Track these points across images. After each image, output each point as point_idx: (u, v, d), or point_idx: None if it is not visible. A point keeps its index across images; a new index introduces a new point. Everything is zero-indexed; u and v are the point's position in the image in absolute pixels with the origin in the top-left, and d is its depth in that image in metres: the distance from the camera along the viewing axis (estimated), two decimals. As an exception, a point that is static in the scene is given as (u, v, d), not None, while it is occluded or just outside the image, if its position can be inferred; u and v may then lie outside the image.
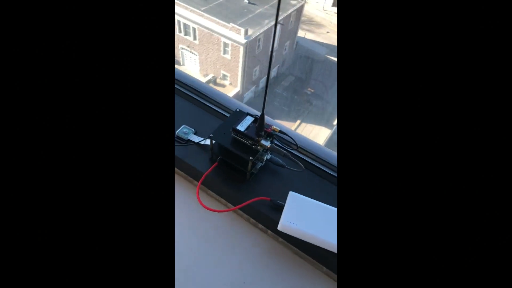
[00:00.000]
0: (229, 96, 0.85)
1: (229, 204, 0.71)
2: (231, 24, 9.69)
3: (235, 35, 9.77)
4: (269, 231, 0.67)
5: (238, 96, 10.70)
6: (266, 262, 0.64)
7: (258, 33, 10.18)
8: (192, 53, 10.81)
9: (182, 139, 0.74)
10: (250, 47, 10.07)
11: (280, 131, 0.66)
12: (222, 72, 10.79)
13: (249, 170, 0.66)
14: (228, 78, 10.78)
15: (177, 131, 0.75)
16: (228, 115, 0.82)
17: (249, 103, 11.11)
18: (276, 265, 0.64)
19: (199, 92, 0.85)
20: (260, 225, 0.68)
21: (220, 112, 0.82)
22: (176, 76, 0.87)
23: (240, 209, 0.69)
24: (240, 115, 0.69)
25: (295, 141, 0.68)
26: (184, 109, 0.82)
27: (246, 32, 9.78)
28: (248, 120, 0.67)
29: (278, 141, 0.74)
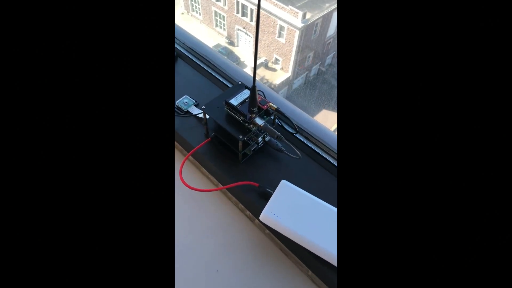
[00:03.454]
0: (240, 68, 0.78)
1: (220, 185, 0.65)
2: (290, 6, 9.41)
3: (293, 18, 9.49)
4: (256, 220, 0.60)
5: (288, 81, 10.50)
6: (247, 253, 0.58)
7: (316, 17, 9.77)
8: (247, 34, 10.78)
9: (181, 110, 0.70)
10: (306, 32, 9.73)
11: (277, 110, 0.57)
12: (275, 56, 10.62)
13: (241, 150, 0.59)
14: (280, 63, 10.59)
15: (177, 101, 0.71)
16: (233, 89, 0.75)
17: (298, 90, 10.86)
18: (257, 259, 0.57)
19: (207, 60, 0.78)
20: (248, 212, 0.62)
21: (228, 86, 0.76)
22: (182, 39, 0.81)
23: (230, 191, 0.62)
24: (240, 88, 0.61)
25: (293, 122, 0.59)
26: (189, 78, 0.77)
27: (304, 15, 9.44)
28: (245, 94, 0.59)
29: (280, 121, 0.66)
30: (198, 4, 11.34)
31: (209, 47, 0.81)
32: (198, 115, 0.68)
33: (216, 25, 11.42)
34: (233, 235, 0.60)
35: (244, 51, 11.22)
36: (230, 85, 0.76)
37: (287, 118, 0.62)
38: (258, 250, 0.59)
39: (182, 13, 11.71)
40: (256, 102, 0.53)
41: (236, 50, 11.32)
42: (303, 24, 9.47)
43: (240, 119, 0.57)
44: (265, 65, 10.79)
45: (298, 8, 9.49)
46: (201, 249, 0.58)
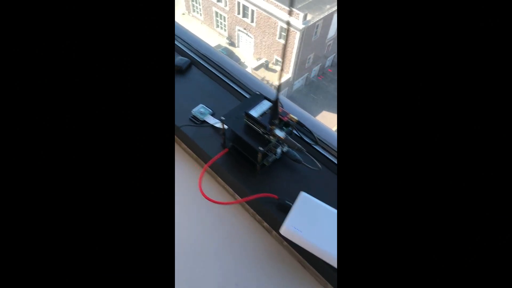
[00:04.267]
0: (254, 77, 0.78)
1: (236, 196, 0.65)
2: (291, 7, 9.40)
3: (293, 19, 9.48)
4: (274, 232, 0.60)
5: (289, 83, 10.51)
6: (265, 266, 0.58)
7: (317, 19, 9.78)
8: (248, 35, 10.78)
9: (198, 119, 0.69)
10: (306, 33, 9.74)
11: (298, 122, 0.57)
12: (276, 57, 10.63)
13: (259, 161, 0.59)
14: (281, 64, 10.59)
15: (194, 110, 0.70)
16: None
17: (298, 90, 10.87)
18: (276, 271, 0.57)
19: (221, 68, 0.78)
20: (265, 224, 0.61)
21: (243, 95, 0.76)
22: (196, 46, 0.81)
23: (248, 203, 0.62)
24: (259, 99, 0.61)
25: (313, 134, 0.59)
26: (204, 86, 0.77)
27: (305, 17, 9.45)
28: (265, 105, 0.59)
29: (298, 132, 0.66)
30: (199, 5, 11.33)
31: (223, 54, 0.81)
32: (215, 125, 0.68)
33: (217, 26, 11.42)
34: (250, 247, 0.60)
35: (244, 52, 11.22)
36: (245, 94, 0.75)
37: (308, 130, 0.62)
38: (276, 262, 0.58)
39: (183, 14, 11.70)
40: (278, 115, 0.53)
41: (236, 51, 11.32)
42: (304, 26, 9.48)
43: (260, 130, 0.57)
44: (266, 66, 10.80)
45: (299, 9, 9.50)
46: (219, 262, 0.58)
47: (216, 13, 11.05)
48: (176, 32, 0.84)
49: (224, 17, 10.95)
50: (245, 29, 10.69)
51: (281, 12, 9.56)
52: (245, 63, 10.77)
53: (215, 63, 0.79)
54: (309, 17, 9.56)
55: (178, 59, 0.79)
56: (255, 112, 0.57)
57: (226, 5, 10.59)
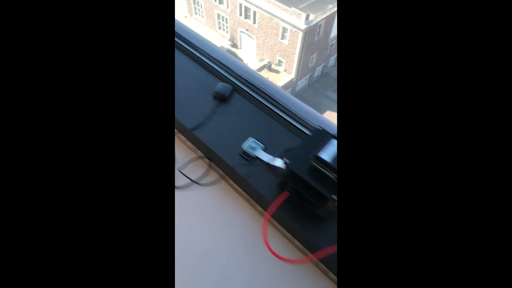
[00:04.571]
0: (309, 108, 0.71)
1: (296, 242, 0.58)
2: (293, 8, 9.34)
3: (296, 19, 9.42)
4: None
5: (292, 83, 10.44)
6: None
7: (320, 19, 9.71)
8: (250, 36, 10.71)
9: (249, 156, 0.63)
10: (309, 33, 9.67)
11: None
12: (278, 58, 10.56)
13: (330, 208, 0.52)
14: (284, 64, 10.53)
15: (244, 145, 0.64)
16: (305, 130, 0.68)
17: (302, 91, 10.80)
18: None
19: (273, 99, 0.72)
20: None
21: (293, 124, 0.69)
22: (237, 70, 0.74)
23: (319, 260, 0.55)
24: (323, 136, 0.55)
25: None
26: (250, 116, 0.70)
27: (307, 17, 9.37)
28: (334, 146, 0.52)
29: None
30: (201, 7, 11.27)
31: (268, 80, 0.74)
32: (270, 163, 0.62)
33: (219, 28, 11.36)
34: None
35: (247, 53, 11.16)
36: (295, 123, 0.69)
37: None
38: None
39: (186, 16, 11.64)
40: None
41: (239, 53, 11.26)
42: (306, 26, 9.40)
43: (332, 175, 0.50)
44: (268, 67, 10.73)
45: (301, 9, 9.42)
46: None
47: (218, 15, 10.98)
48: (215, 55, 0.78)
49: (226, 19, 10.88)
50: (247, 30, 10.62)
51: (283, 12, 9.49)
52: (247, 65, 10.71)
53: (260, 90, 0.73)
54: (311, 17, 9.48)
55: (220, 86, 0.73)
56: (327, 156, 0.51)
57: (228, 7, 10.53)
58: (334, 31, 10.61)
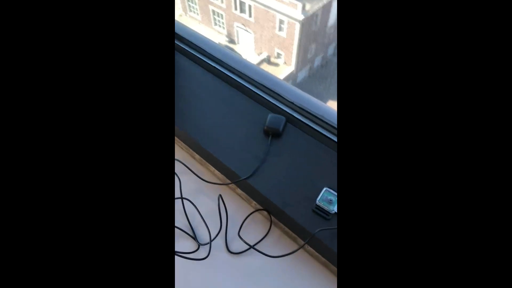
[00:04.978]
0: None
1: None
2: (288, -1, 9.13)
3: (292, 10, 9.23)
4: None
5: (292, 75, 10.28)
6: None
7: (316, 8, 9.50)
8: (247, 31, 10.52)
9: (326, 212, 0.51)
10: (306, 24, 9.48)
11: None
12: (276, 50, 10.38)
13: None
14: (283, 57, 10.36)
15: (318, 199, 0.52)
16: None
17: (303, 82, 10.65)
18: None
19: (325, 122, 0.60)
20: None
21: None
22: (291, 98, 0.63)
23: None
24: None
25: None
26: (314, 154, 0.59)
27: (303, 7, 9.17)
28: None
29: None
30: (195, 5, 11.05)
31: (324, 104, 0.63)
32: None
33: (215, 24, 11.15)
34: None
35: (245, 48, 10.98)
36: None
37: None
38: None
39: (180, 15, 11.43)
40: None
41: (236, 48, 11.08)
42: (303, 16, 9.21)
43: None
44: (267, 61, 10.56)
45: (297, 0, 9.22)
46: None
47: (213, 11, 10.76)
48: (265, 82, 0.66)
49: (222, 15, 10.67)
50: (243, 25, 10.42)
51: (279, 4, 9.29)
52: (246, 60, 10.54)
53: (316, 116, 0.61)
54: (308, 7, 9.29)
55: (271, 118, 0.61)
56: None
57: (222, 2, 10.31)
58: (331, 20, 10.41)
